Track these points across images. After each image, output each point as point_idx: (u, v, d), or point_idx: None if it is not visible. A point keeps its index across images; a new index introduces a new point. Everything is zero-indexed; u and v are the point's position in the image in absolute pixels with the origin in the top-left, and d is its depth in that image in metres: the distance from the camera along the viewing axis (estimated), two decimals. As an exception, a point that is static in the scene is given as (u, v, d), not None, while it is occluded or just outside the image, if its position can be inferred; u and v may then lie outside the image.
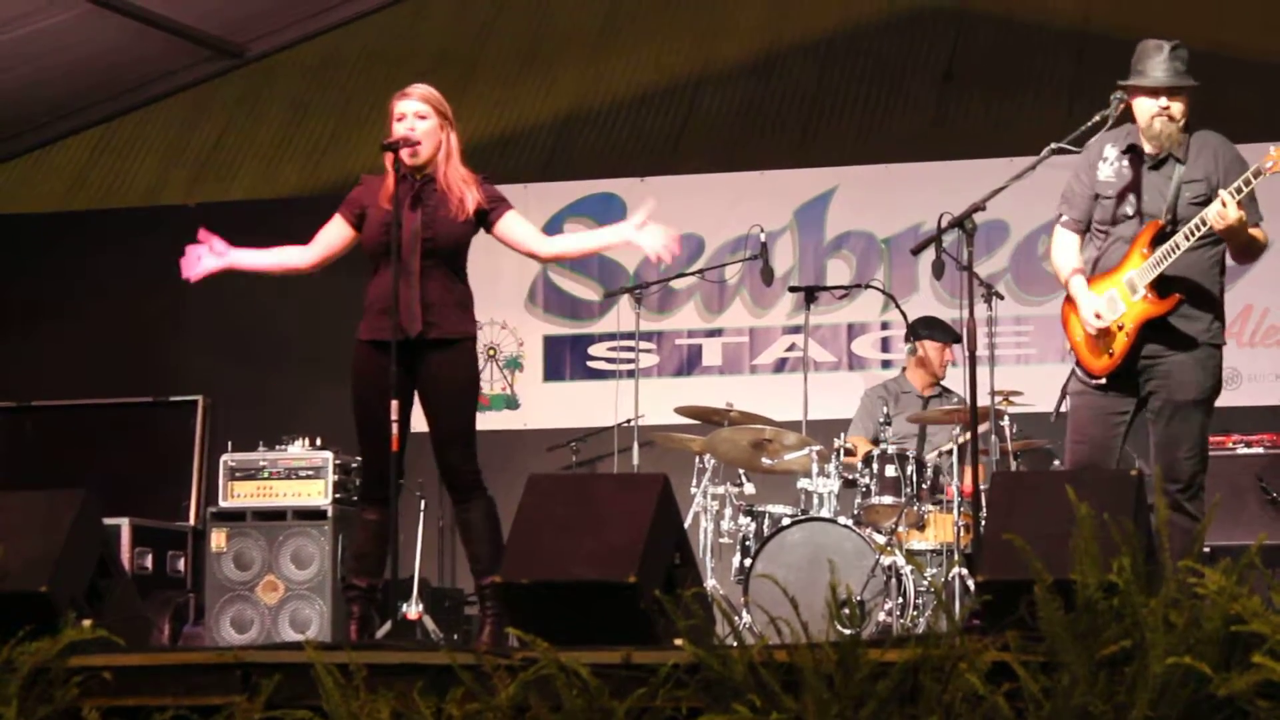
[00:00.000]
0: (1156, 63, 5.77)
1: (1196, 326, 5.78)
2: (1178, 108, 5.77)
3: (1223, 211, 5.59)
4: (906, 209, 9.75)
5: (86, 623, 4.80)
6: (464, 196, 5.94)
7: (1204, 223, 5.65)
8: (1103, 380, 5.82)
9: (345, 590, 6.11)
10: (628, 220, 6.08)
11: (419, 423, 6.06)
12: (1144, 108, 5.81)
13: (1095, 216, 5.91)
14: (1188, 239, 5.69)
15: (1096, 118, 5.80)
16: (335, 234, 6.11)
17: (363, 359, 5.96)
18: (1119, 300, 5.78)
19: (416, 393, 6.00)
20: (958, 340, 8.66)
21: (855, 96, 10.38)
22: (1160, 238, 5.74)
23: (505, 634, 5.00)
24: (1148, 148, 5.82)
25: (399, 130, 5.96)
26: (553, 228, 10.27)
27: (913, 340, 8.77)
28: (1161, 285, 5.74)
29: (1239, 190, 5.61)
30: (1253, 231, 5.76)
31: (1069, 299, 5.95)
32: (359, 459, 8.66)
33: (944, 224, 5.96)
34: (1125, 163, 5.86)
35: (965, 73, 10.27)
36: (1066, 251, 5.98)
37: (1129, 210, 5.82)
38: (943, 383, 8.84)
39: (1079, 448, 5.87)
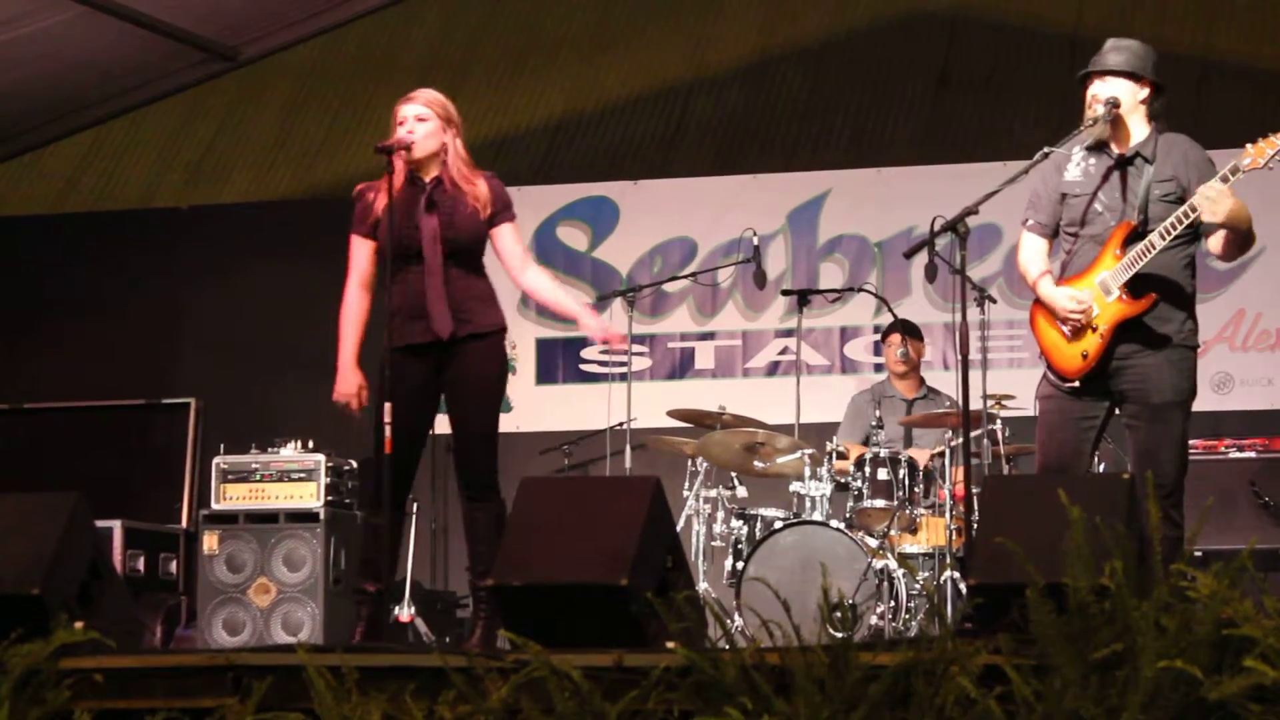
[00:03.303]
0: (1099, 53, 5.79)
1: (1170, 327, 5.70)
2: (1101, 90, 5.72)
3: (1215, 199, 5.50)
4: (899, 213, 9.75)
5: (78, 625, 4.80)
6: (478, 195, 5.95)
7: (1180, 221, 5.57)
8: (1075, 383, 5.74)
9: (354, 594, 6.07)
10: (594, 322, 6.18)
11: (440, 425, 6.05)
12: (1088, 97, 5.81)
13: (1063, 218, 5.85)
14: (1163, 238, 5.60)
15: (1089, 122, 5.76)
16: (364, 257, 6.03)
17: (395, 366, 5.83)
18: (1093, 303, 5.71)
19: (444, 393, 5.98)
20: (915, 334, 8.77)
21: (848, 100, 10.38)
22: (1132, 238, 5.68)
23: (497, 636, 5.00)
24: (1115, 148, 5.77)
25: (399, 135, 5.96)
26: (546, 231, 10.30)
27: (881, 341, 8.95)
28: (1136, 285, 5.67)
29: (1224, 180, 5.53)
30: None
31: (1037, 302, 5.88)
32: (351, 462, 8.74)
33: (937, 228, 5.95)
34: (1093, 163, 5.80)
35: (958, 77, 10.28)
36: (1034, 255, 5.92)
37: (1099, 209, 5.76)
38: (929, 384, 8.86)
39: (1047, 452, 5.79)
